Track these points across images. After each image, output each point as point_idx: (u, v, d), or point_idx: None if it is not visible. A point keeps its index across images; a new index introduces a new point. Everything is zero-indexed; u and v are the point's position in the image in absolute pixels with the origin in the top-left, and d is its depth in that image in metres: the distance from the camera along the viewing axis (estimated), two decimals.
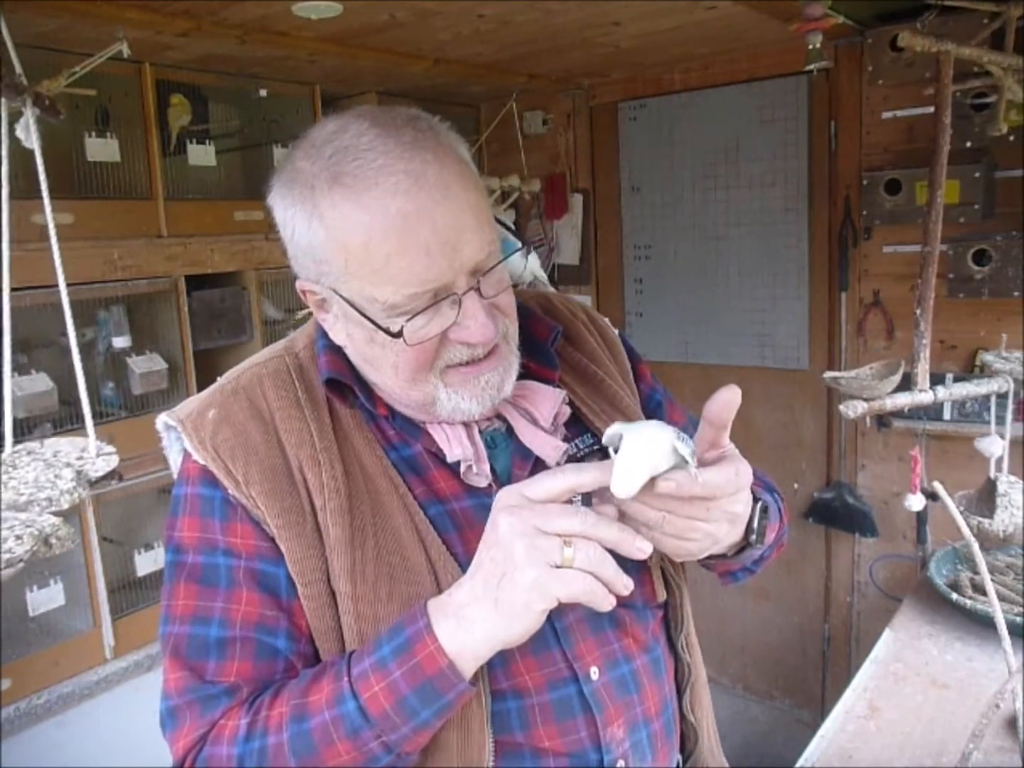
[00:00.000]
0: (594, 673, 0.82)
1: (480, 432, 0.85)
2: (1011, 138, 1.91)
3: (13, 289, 1.36)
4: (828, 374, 1.50)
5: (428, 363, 0.79)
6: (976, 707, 1.34)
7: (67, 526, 1.10)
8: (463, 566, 0.77)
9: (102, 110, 2.07)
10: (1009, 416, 1.52)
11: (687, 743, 0.96)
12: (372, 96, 2.67)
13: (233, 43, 1.92)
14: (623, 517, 0.71)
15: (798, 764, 1.32)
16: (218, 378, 0.89)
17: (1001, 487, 1.49)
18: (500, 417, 0.87)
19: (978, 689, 1.45)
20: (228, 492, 0.79)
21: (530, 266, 2.51)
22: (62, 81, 1.46)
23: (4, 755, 1.81)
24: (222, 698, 0.76)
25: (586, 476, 0.70)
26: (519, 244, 2.46)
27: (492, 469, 0.84)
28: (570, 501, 0.71)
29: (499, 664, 0.76)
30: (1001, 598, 1.54)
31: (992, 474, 1.52)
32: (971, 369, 2.24)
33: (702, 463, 0.71)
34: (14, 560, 0.99)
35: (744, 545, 0.82)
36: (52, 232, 1.34)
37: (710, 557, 0.80)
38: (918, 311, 1.52)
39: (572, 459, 0.86)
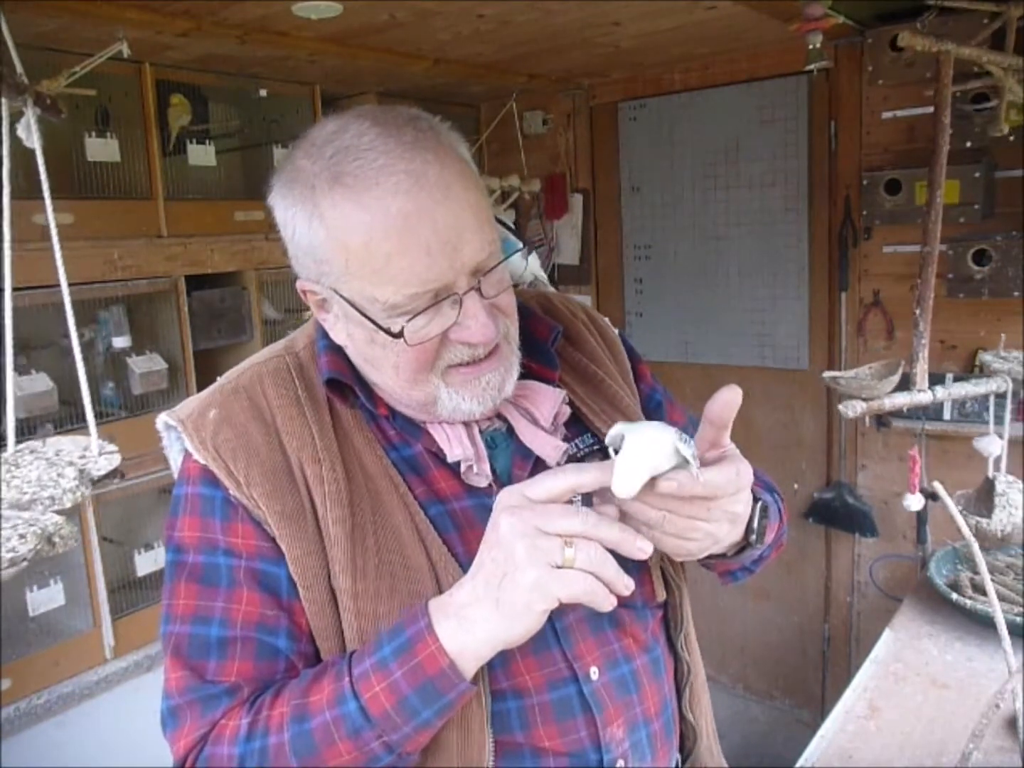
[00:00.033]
0: (594, 673, 0.82)
1: (480, 432, 0.86)
2: (1011, 138, 1.91)
3: (13, 289, 1.36)
4: (827, 374, 1.50)
5: (429, 363, 0.79)
6: (976, 707, 1.34)
7: (70, 524, 1.10)
8: (463, 566, 0.77)
9: (102, 110, 2.07)
10: (1008, 416, 1.52)
11: (686, 743, 0.96)
12: (372, 96, 2.67)
13: (233, 43, 1.93)
14: (624, 517, 0.71)
15: (798, 764, 1.32)
16: (218, 378, 0.89)
17: (999, 487, 1.49)
18: (500, 417, 0.87)
19: (978, 689, 1.45)
20: (229, 492, 0.79)
21: (530, 266, 2.51)
22: (62, 81, 1.46)
23: (4, 755, 1.81)
24: (223, 698, 0.76)
25: (587, 476, 0.70)
26: (520, 244, 2.46)
27: (492, 469, 0.84)
28: (570, 501, 0.71)
29: (499, 664, 0.76)
30: (1001, 598, 1.54)
31: (990, 474, 1.52)
32: (971, 369, 2.24)
33: (703, 463, 0.71)
34: (18, 559, 1.00)
35: (744, 545, 0.82)
36: (53, 232, 1.34)
37: (710, 557, 0.80)
38: (917, 311, 1.52)
39: (572, 459, 0.86)
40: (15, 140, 1.34)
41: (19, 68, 1.33)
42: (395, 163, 0.73)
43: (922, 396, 1.49)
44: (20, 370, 1.78)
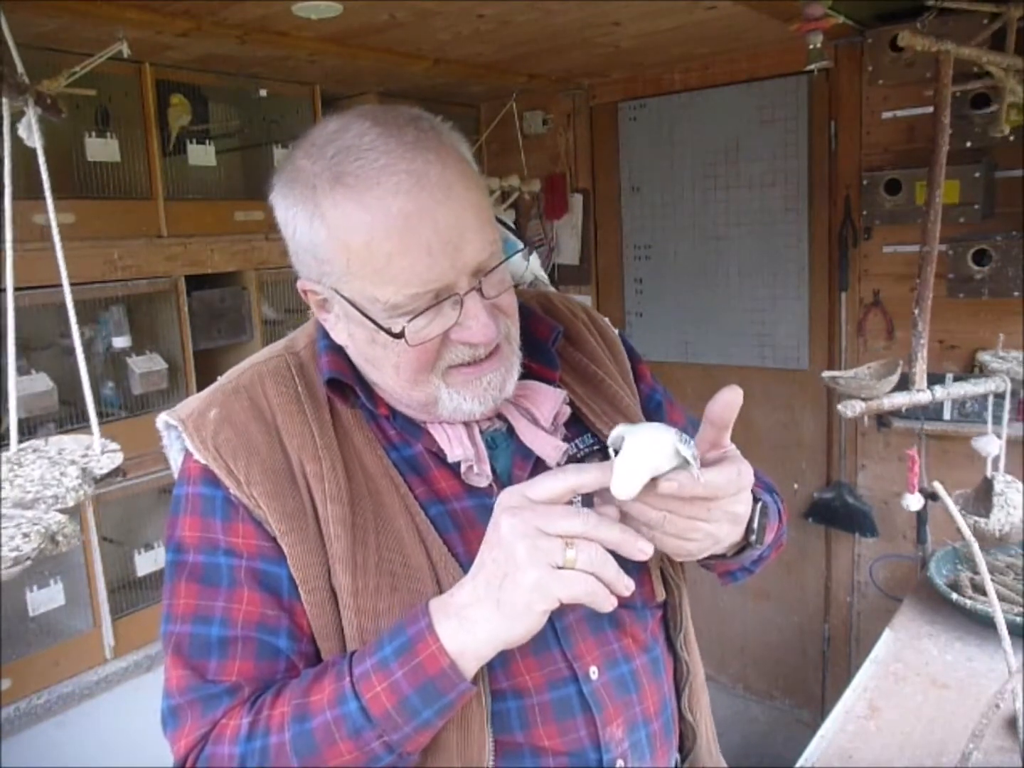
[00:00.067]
0: (593, 673, 0.83)
1: (481, 432, 0.86)
2: (1011, 138, 1.91)
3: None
4: (827, 373, 1.50)
5: (430, 363, 0.79)
6: (976, 707, 1.35)
7: (73, 523, 1.10)
8: (464, 566, 0.77)
9: (102, 110, 2.07)
10: (1006, 416, 1.52)
11: (685, 743, 0.97)
12: (372, 96, 2.67)
13: (233, 43, 1.93)
14: (624, 517, 0.71)
15: (798, 764, 1.32)
16: (218, 378, 0.89)
17: (998, 486, 1.50)
18: (501, 417, 0.87)
19: (978, 689, 1.45)
20: (229, 492, 0.79)
21: (531, 266, 2.51)
22: (62, 81, 1.46)
23: (4, 755, 1.81)
24: (223, 697, 0.76)
25: (587, 477, 0.70)
26: (521, 244, 2.46)
27: (493, 469, 0.84)
28: (571, 502, 0.71)
29: (499, 664, 0.76)
30: (1001, 598, 1.54)
31: (989, 473, 1.52)
32: (971, 369, 2.24)
33: (703, 463, 0.71)
34: (22, 558, 1.00)
35: (744, 545, 0.82)
36: (55, 232, 1.34)
37: (710, 557, 0.80)
38: (916, 311, 1.52)
39: (572, 459, 0.86)
40: (15, 140, 1.34)
41: (20, 68, 1.33)
42: (396, 163, 0.73)
43: (921, 396, 1.49)
44: (20, 370, 1.78)
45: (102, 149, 2.01)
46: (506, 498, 0.71)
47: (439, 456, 0.83)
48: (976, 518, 1.48)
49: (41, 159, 1.34)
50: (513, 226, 2.85)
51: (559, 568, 0.67)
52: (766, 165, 2.57)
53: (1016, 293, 2.07)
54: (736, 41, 2.33)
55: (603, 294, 3.03)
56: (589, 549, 0.68)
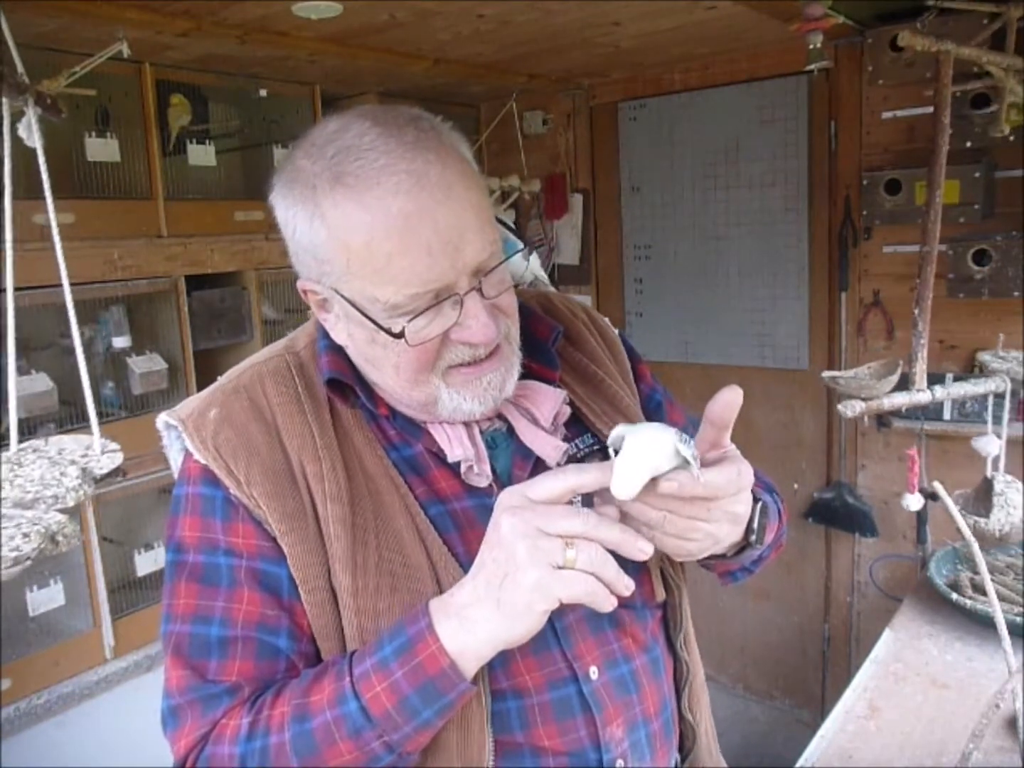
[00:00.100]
0: (593, 673, 0.83)
1: (481, 432, 0.86)
2: (1011, 138, 1.92)
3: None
4: (826, 373, 1.50)
5: (430, 363, 0.79)
6: (976, 707, 1.35)
7: (73, 523, 1.10)
8: (464, 566, 0.77)
9: (102, 110, 2.07)
10: (1006, 415, 1.52)
11: (685, 742, 0.97)
12: (372, 96, 2.67)
13: (233, 43, 1.93)
14: (624, 517, 0.71)
15: (798, 764, 1.32)
16: (218, 377, 0.89)
17: (998, 486, 1.50)
18: (501, 417, 0.87)
19: (978, 689, 1.45)
20: (229, 492, 0.79)
21: (531, 266, 2.51)
22: (62, 81, 1.46)
23: (4, 755, 1.81)
24: (223, 697, 0.76)
25: (587, 477, 0.70)
26: (521, 245, 2.46)
27: (493, 469, 0.84)
28: (571, 502, 0.71)
29: (499, 664, 0.76)
30: (1001, 598, 1.54)
31: (989, 473, 1.52)
32: (971, 369, 2.24)
33: (704, 463, 0.71)
34: (22, 558, 1.00)
35: (744, 545, 0.82)
36: (55, 232, 1.34)
37: (709, 557, 0.80)
38: (916, 311, 1.52)
39: (572, 459, 0.86)
40: (15, 140, 1.34)
41: (20, 68, 1.33)
42: (396, 163, 0.73)
43: (921, 396, 1.49)
44: (20, 370, 1.78)
45: (102, 149, 2.01)
46: (506, 498, 0.71)
47: (439, 456, 0.83)
48: (976, 518, 1.48)
49: (41, 159, 1.34)
50: (513, 226, 2.85)
51: (559, 568, 0.67)
52: (766, 165, 2.57)
53: (1016, 293, 2.07)
54: (736, 41, 2.33)
55: (603, 294, 3.03)
56: (589, 549, 0.68)
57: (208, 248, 2.21)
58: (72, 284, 1.38)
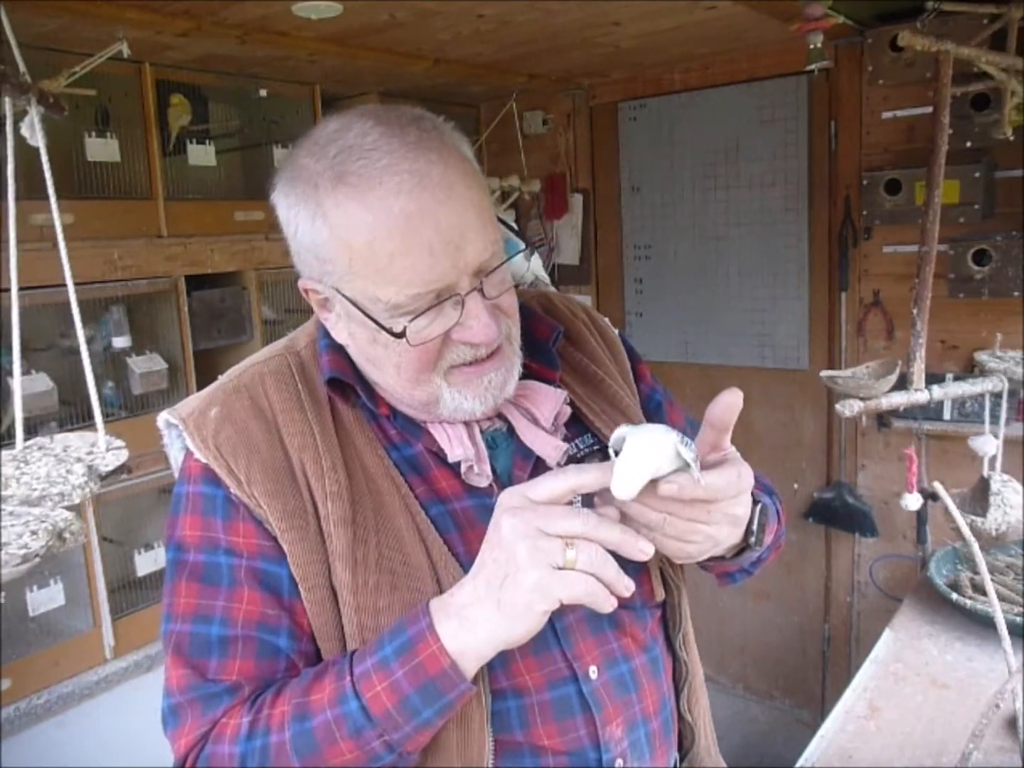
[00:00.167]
0: (593, 672, 0.83)
1: (481, 432, 0.86)
2: (1011, 138, 1.92)
3: (8, 289, 1.36)
4: (825, 373, 1.50)
5: (431, 363, 0.79)
6: (976, 707, 1.35)
7: (79, 520, 1.10)
8: (464, 566, 0.77)
9: (102, 110, 2.07)
10: (1003, 415, 1.53)
11: (684, 742, 0.97)
12: (373, 96, 2.67)
13: (233, 43, 1.93)
14: (624, 519, 0.72)
15: (798, 764, 1.32)
16: (219, 377, 0.89)
17: (994, 486, 1.50)
18: (501, 417, 0.87)
19: (978, 689, 1.45)
20: (230, 491, 0.79)
21: (532, 266, 2.51)
22: (62, 81, 1.46)
23: (4, 755, 1.81)
24: (224, 696, 0.76)
25: (587, 477, 0.70)
26: (522, 245, 2.46)
27: (493, 469, 0.84)
28: (571, 502, 0.71)
29: (499, 663, 0.76)
30: (1001, 598, 1.54)
31: (985, 473, 1.52)
32: (971, 369, 2.24)
33: (703, 465, 0.71)
34: (30, 555, 1.00)
35: (743, 547, 0.82)
36: (59, 231, 1.35)
37: (708, 559, 0.80)
38: (915, 311, 1.52)
39: (572, 459, 0.86)
40: (14, 141, 1.34)
41: (22, 67, 1.33)
42: (399, 163, 0.73)
43: (919, 395, 1.49)
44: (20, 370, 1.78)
45: (102, 149, 2.01)
46: (507, 498, 0.71)
47: (439, 456, 0.83)
48: (973, 517, 1.48)
49: (44, 158, 1.34)
50: (515, 227, 2.85)
51: (559, 569, 0.67)
52: (766, 165, 2.57)
53: (1016, 293, 2.07)
54: (736, 41, 2.33)
55: (603, 294, 3.03)
56: (589, 550, 0.68)
57: (208, 248, 2.21)
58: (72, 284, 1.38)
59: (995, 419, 1.52)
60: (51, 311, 1.88)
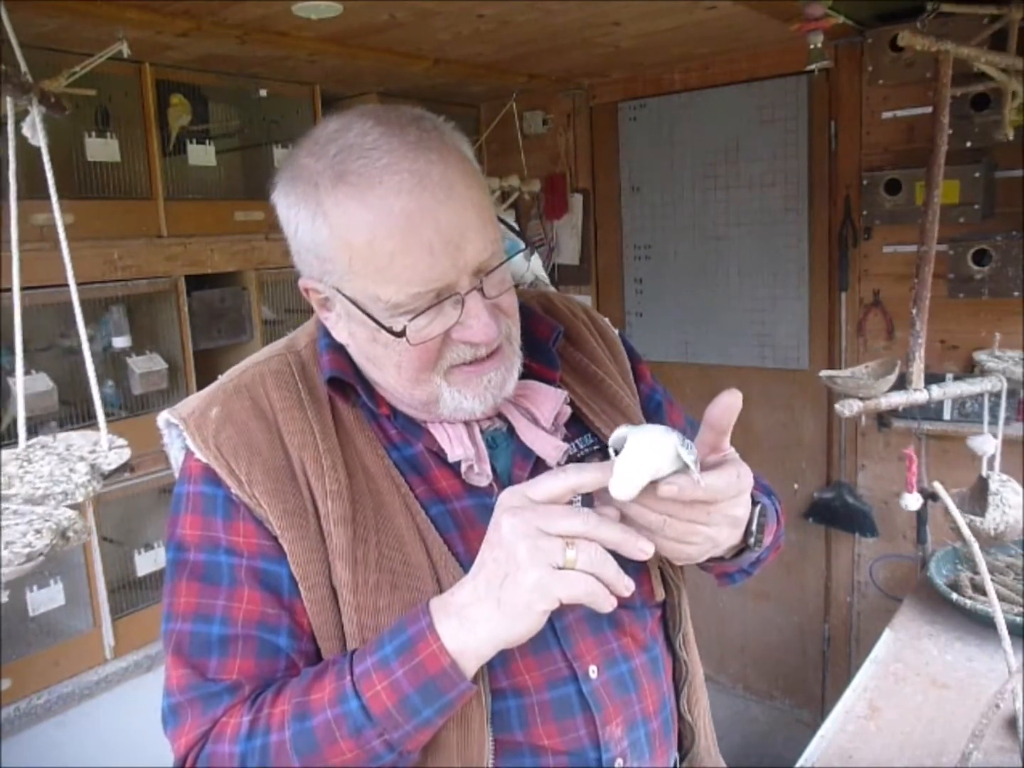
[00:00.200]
0: (593, 672, 0.83)
1: (481, 432, 0.86)
2: (1011, 138, 1.92)
3: (9, 289, 1.36)
4: (824, 373, 1.50)
5: (431, 362, 0.79)
6: (976, 707, 1.35)
7: (82, 519, 1.10)
8: (464, 565, 0.77)
9: (102, 110, 2.07)
10: (1002, 414, 1.53)
11: (684, 742, 0.97)
12: (373, 96, 2.67)
13: (233, 43, 1.93)
14: (624, 520, 0.72)
15: (798, 764, 1.32)
16: (219, 377, 0.89)
17: (993, 485, 1.50)
18: (501, 417, 0.87)
19: (978, 689, 1.45)
20: (231, 491, 0.79)
21: (532, 266, 2.51)
22: (62, 81, 1.46)
23: (4, 755, 1.81)
24: (224, 696, 0.76)
25: (587, 476, 0.70)
26: (522, 245, 2.46)
27: (493, 469, 0.84)
28: (571, 502, 0.71)
29: (499, 663, 0.76)
30: (1001, 598, 1.54)
31: (984, 472, 1.52)
32: (971, 369, 2.24)
33: (703, 466, 0.71)
34: (35, 554, 1.00)
35: (742, 548, 0.82)
36: (61, 231, 1.35)
37: (707, 559, 0.80)
38: (914, 310, 1.52)
39: (572, 459, 0.87)
40: (15, 141, 1.34)
41: (23, 67, 1.33)
42: (399, 162, 0.73)
43: (918, 395, 1.49)
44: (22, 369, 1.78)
45: (102, 149, 2.01)
46: (507, 498, 0.71)
47: (440, 455, 0.83)
48: (971, 517, 1.48)
49: (46, 158, 1.34)
50: (516, 227, 2.85)
51: (560, 568, 0.67)
52: (766, 165, 2.57)
53: (1016, 293, 2.07)
54: (736, 41, 2.33)
55: (603, 294, 3.03)
56: (589, 549, 0.68)
57: (208, 248, 2.21)
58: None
59: (994, 419, 1.52)
60: (51, 311, 1.88)
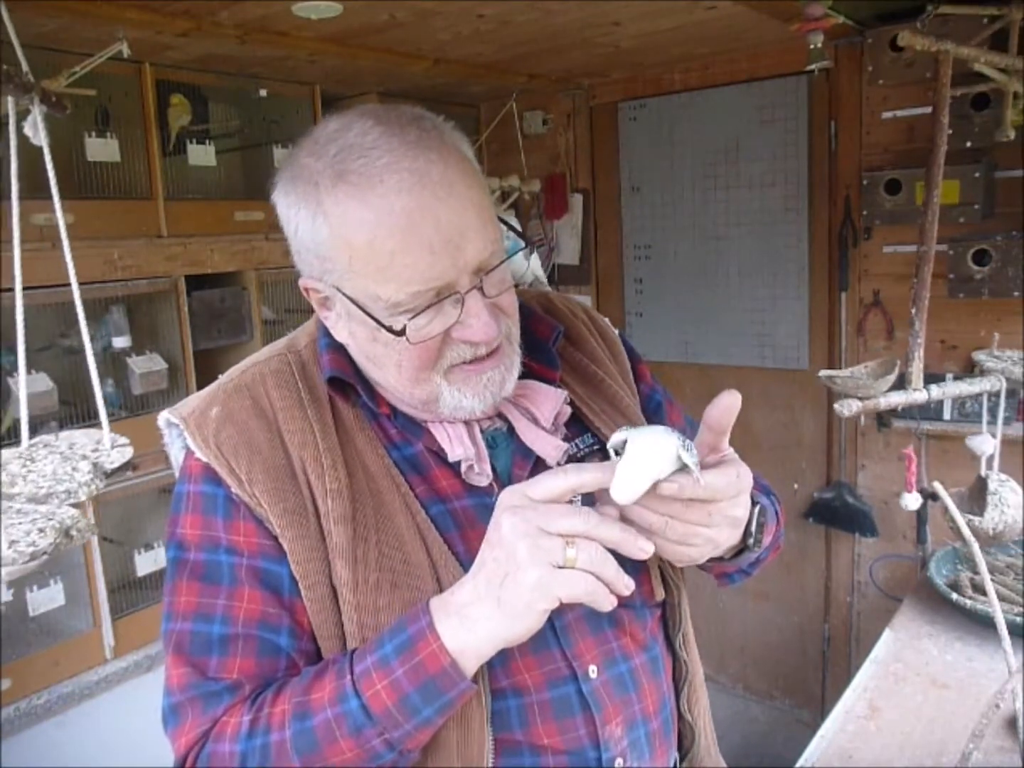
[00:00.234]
0: (593, 672, 0.83)
1: (481, 431, 0.86)
2: (1011, 138, 1.91)
3: (9, 289, 1.36)
4: (824, 373, 1.50)
5: (431, 361, 0.79)
6: (976, 707, 1.35)
7: (85, 518, 1.10)
8: (464, 565, 0.78)
9: (102, 110, 2.07)
10: (1001, 414, 1.53)
11: (684, 742, 0.97)
12: (373, 96, 2.67)
13: (233, 43, 1.93)
14: (625, 521, 0.71)
15: (798, 764, 1.32)
16: (219, 377, 0.89)
17: (992, 485, 1.49)
18: (501, 416, 0.87)
19: (978, 689, 1.45)
20: (231, 490, 0.79)
21: (531, 267, 2.51)
22: (62, 81, 1.46)
23: (4, 755, 1.81)
24: (224, 695, 0.76)
25: (587, 476, 0.70)
26: (523, 244, 2.45)
27: (493, 468, 0.84)
28: (571, 501, 0.71)
29: (499, 662, 0.76)
30: (1001, 598, 1.54)
31: (983, 472, 1.52)
32: (971, 369, 2.24)
33: (702, 467, 0.71)
34: (39, 552, 1.00)
35: (742, 548, 0.82)
36: (63, 231, 1.35)
37: (707, 559, 0.80)
38: (913, 310, 1.52)
39: (572, 459, 0.87)
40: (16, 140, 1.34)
41: (25, 67, 1.33)
42: (399, 161, 0.73)
43: (917, 395, 1.49)
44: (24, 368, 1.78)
45: (102, 149, 2.01)
46: (507, 497, 0.72)
47: (440, 455, 0.84)
48: (970, 516, 1.48)
49: (48, 158, 1.34)
50: (519, 228, 2.85)
51: (560, 567, 0.67)
52: (766, 165, 2.57)
53: (1016, 293, 2.07)
54: (736, 41, 2.33)
55: (603, 294, 3.03)
56: (589, 548, 0.68)
57: (208, 248, 2.21)
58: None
59: (993, 419, 1.52)
60: (51, 311, 1.88)
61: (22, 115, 1.34)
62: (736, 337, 2.72)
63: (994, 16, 1.75)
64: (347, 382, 0.84)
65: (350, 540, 0.77)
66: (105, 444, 1.29)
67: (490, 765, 0.77)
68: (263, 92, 2.34)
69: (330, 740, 0.71)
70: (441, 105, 2.82)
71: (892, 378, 1.45)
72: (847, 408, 1.41)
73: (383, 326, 0.76)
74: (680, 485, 0.69)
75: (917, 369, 1.51)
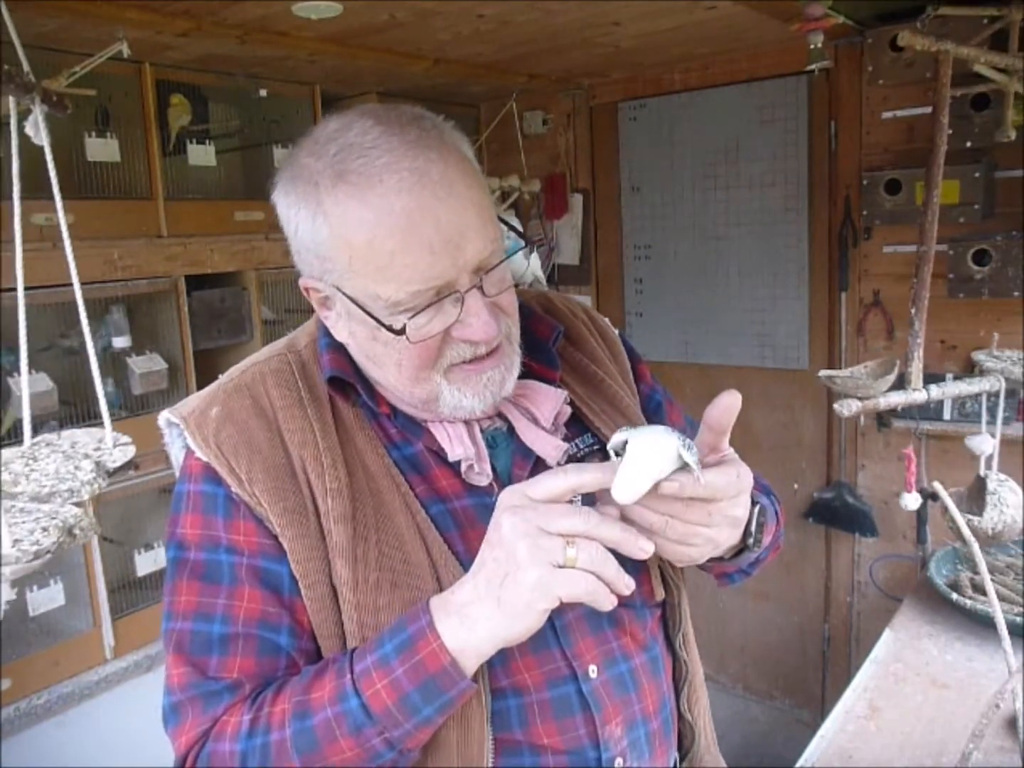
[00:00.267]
0: (593, 671, 0.83)
1: (481, 431, 0.86)
2: (1011, 138, 1.91)
3: (10, 289, 1.36)
4: (823, 372, 1.50)
5: (431, 361, 0.79)
6: (976, 707, 1.35)
7: (88, 516, 1.10)
8: (464, 564, 0.78)
9: (102, 110, 2.07)
10: (1000, 414, 1.52)
11: (684, 742, 0.97)
12: (372, 96, 2.67)
13: (233, 43, 1.93)
14: (625, 521, 0.72)
15: (798, 764, 1.32)
16: (219, 376, 0.89)
17: (991, 485, 1.49)
18: (501, 416, 0.87)
19: (978, 689, 1.45)
20: (231, 489, 0.79)
21: (531, 266, 2.51)
22: (62, 81, 1.46)
23: (4, 755, 1.81)
24: (224, 694, 0.76)
25: (587, 476, 0.70)
26: (523, 244, 2.45)
27: (493, 468, 0.85)
28: (571, 501, 0.71)
29: (499, 662, 0.77)
30: (1001, 598, 1.54)
31: (982, 472, 1.52)
32: (972, 369, 2.24)
33: (703, 466, 0.71)
34: (42, 552, 1.00)
35: (742, 548, 0.82)
36: (64, 230, 1.35)
37: (707, 560, 0.80)
38: (913, 310, 1.52)
39: (572, 459, 0.87)
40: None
41: (26, 67, 1.33)
42: (399, 161, 0.73)
43: (917, 395, 1.49)
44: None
45: (102, 149, 2.01)
46: (507, 497, 0.72)
47: (440, 455, 0.84)
48: (969, 516, 1.48)
49: (49, 157, 1.34)
50: (519, 227, 2.85)
51: (560, 567, 0.68)
52: (766, 165, 2.57)
53: (1016, 293, 2.07)
54: (736, 41, 2.33)
55: (603, 294, 3.03)
56: (590, 548, 0.68)
57: (208, 248, 2.21)
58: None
59: (993, 419, 1.52)
60: (51, 311, 1.88)
61: (23, 115, 1.34)
62: (736, 337, 2.72)
63: (994, 16, 1.75)
64: (347, 382, 0.84)
65: (350, 539, 0.77)
66: (107, 443, 1.29)
67: (490, 765, 0.77)
68: (263, 92, 2.34)
69: (330, 739, 0.71)
70: (441, 105, 2.82)
71: (892, 378, 1.45)
72: (847, 408, 1.41)
73: (383, 325, 0.77)
74: (681, 484, 0.69)
75: (917, 369, 1.51)
